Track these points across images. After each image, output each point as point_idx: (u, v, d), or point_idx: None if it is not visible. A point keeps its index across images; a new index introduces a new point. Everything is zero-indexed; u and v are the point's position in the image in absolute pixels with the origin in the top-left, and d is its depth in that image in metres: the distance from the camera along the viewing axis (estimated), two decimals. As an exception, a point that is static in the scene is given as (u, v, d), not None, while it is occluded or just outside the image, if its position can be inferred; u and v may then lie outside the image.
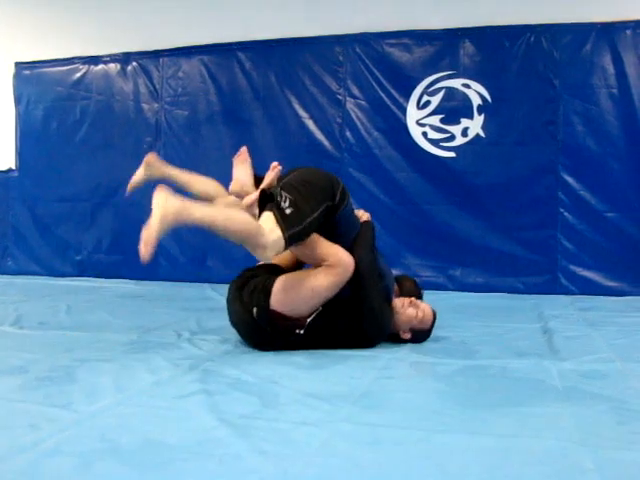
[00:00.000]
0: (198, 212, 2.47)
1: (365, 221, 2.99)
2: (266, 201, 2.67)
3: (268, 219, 2.58)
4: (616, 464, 1.57)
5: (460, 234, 4.95)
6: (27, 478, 1.48)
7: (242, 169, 2.94)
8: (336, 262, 2.70)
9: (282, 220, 2.57)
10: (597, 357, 2.69)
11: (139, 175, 3.32)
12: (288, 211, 2.59)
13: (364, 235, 2.88)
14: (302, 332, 2.74)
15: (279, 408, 2.00)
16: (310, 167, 3.00)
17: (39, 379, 2.30)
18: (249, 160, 3.03)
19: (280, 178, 2.85)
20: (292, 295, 2.72)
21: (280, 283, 2.75)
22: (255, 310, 2.74)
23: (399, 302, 2.92)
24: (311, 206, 2.66)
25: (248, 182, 2.90)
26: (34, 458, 1.57)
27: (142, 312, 3.90)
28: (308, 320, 2.74)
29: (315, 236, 2.74)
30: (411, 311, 2.90)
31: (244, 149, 3.04)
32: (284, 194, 2.64)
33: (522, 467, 1.55)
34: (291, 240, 2.59)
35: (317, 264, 2.79)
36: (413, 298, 2.98)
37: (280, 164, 2.89)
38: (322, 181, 2.80)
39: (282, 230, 2.55)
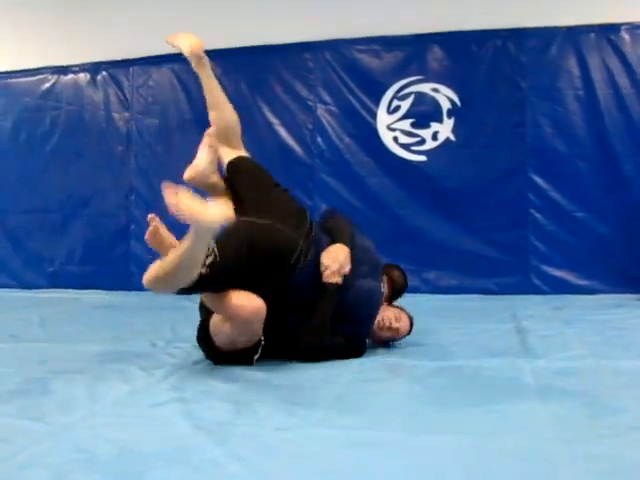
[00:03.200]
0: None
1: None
2: None
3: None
4: (590, 458, 1.59)
5: (433, 237, 4.99)
6: (1, 492, 1.46)
7: (205, 153, 2.72)
8: (233, 315, 2.47)
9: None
10: (570, 354, 2.72)
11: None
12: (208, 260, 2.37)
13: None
14: (257, 357, 2.60)
15: (255, 414, 1.99)
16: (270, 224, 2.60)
17: (11, 392, 2.27)
18: (216, 145, 2.76)
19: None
20: (220, 339, 2.57)
21: (210, 329, 2.60)
22: (205, 348, 2.68)
23: (381, 320, 2.82)
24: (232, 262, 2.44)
25: (209, 169, 2.71)
26: (7, 472, 1.55)
27: (116, 322, 3.87)
28: (257, 354, 2.59)
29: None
30: (386, 334, 2.87)
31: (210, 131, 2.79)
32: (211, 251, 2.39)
33: (498, 464, 1.56)
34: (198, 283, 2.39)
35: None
36: (394, 324, 2.86)
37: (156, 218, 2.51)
38: (274, 248, 2.54)
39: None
